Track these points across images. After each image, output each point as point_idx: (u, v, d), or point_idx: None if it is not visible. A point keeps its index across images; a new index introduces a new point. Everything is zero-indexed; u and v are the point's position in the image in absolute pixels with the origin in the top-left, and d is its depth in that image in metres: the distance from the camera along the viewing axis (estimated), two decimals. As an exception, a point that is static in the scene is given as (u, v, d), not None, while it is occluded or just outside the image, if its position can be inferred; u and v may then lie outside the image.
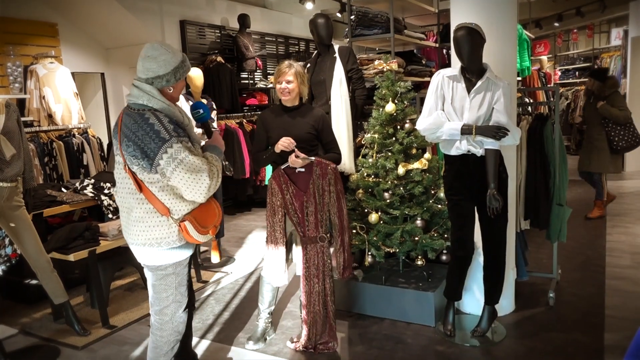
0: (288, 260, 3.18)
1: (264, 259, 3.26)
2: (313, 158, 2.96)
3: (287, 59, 3.21)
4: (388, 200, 3.49)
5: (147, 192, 2.18)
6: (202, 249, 5.11)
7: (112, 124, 6.91)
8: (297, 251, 3.15)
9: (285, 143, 2.93)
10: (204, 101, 4.44)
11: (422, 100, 3.21)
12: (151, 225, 2.22)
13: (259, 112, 6.84)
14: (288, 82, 3.03)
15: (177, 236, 2.25)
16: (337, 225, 3.06)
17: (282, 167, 3.01)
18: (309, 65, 4.46)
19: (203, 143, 2.44)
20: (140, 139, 2.11)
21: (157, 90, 2.20)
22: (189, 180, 2.11)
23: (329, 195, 3.01)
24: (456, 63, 3.08)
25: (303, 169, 3.00)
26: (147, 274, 2.38)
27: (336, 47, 4.31)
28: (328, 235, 3.07)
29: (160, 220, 2.22)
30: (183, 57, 2.27)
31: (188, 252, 2.36)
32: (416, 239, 3.43)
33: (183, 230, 2.22)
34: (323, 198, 3.01)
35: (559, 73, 12.23)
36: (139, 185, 2.18)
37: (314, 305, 3.09)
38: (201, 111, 2.49)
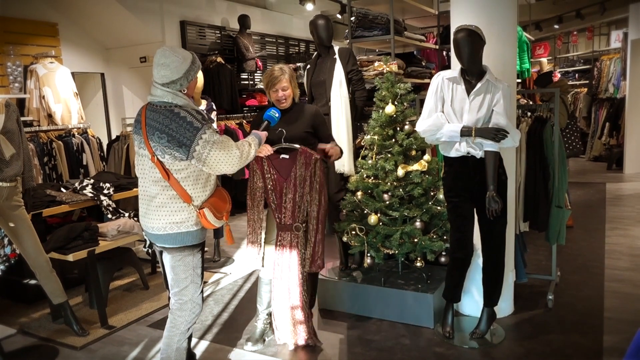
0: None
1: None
2: (297, 146, 2.95)
3: (277, 63, 3.21)
4: (387, 202, 3.49)
5: (173, 180, 2.42)
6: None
7: (112, 124, 6.93)
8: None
9: (262, 150, 2.95)
10: (204, 102, 4.44)
11: (422, 102, 3.21)
12: (173, 210, 2.45)
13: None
14: (284, 89, 3.02)
15: (195, 220, 2.49)
16: (314, 216, 3.02)
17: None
18: (309, 66, 4.46)
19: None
20: (175, 130, 2.35)
21: (179, 90, 2.45)
22: (223, 156, 2.40)
23: (310, 185, 2.98)
24: (456, 65, 3.08)
25: (287, 156, 2.99)
26: (166, 257, 2.57)
27: (336, 49, 4.31)
28: (304, 225, 3.03)
29: (181, 205, 2.46)
30: (192, 58, 2.48)
31: (202, 237, 2.60)
32: (415, 240, 3.43)
33: (202, 216, 2.47)
34: (304, 188, 2.99)
35: (559, 75, 12.24)
36: (167, 174, 2.41)
37: (281, 296, 3.06)
38: (271, 122, 2.89)
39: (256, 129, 2.96)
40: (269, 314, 3.30)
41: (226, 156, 2.41)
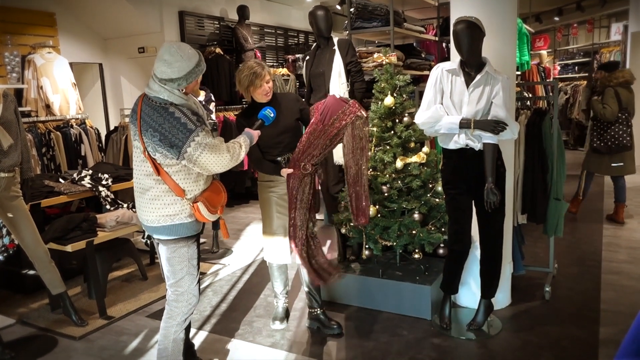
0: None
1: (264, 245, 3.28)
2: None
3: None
4: (386, 194, 3.50)
5: (164, 175, 2.41)
6: (201, 240, 5.11)
7: (110, 114, 6.91)
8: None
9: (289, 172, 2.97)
10: (203, 93, 4.43)
11: (421, 93, 3.20)
12: (166, 203, 2.44)
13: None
14: (268, 82, 2.99)
15: (189, 212, 2.48)
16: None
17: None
18: (308, 57, 4.45)
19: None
20: (168, 131, 2.33)
21: (176, 89, 2.39)
22: (213, 158, 2.38)
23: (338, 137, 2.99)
24: (455, 57, 3.07)
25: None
26: (161, 249, 2.56)
27: (335, 40, 4.30)
28: (314, 167, 2.98)
29: (174, 199, 2.45)
30: (198, 60, 2.41)
31: (197, 228, 2.58)
32: (413, 232, 3.44)
33: (196, 210, 2.46)
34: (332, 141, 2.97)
35: (559, 68, 12.22)
36: (157, 168, 2.40)
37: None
38: (265, 122, 2.82)
39: (245, 121, 2.94)
40: (287, 292, 3.40)
41: (216, 159, 2.40)
